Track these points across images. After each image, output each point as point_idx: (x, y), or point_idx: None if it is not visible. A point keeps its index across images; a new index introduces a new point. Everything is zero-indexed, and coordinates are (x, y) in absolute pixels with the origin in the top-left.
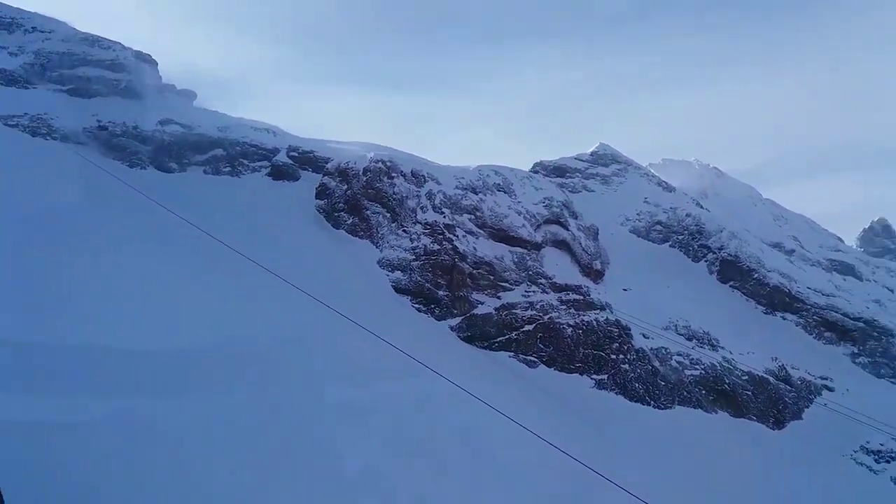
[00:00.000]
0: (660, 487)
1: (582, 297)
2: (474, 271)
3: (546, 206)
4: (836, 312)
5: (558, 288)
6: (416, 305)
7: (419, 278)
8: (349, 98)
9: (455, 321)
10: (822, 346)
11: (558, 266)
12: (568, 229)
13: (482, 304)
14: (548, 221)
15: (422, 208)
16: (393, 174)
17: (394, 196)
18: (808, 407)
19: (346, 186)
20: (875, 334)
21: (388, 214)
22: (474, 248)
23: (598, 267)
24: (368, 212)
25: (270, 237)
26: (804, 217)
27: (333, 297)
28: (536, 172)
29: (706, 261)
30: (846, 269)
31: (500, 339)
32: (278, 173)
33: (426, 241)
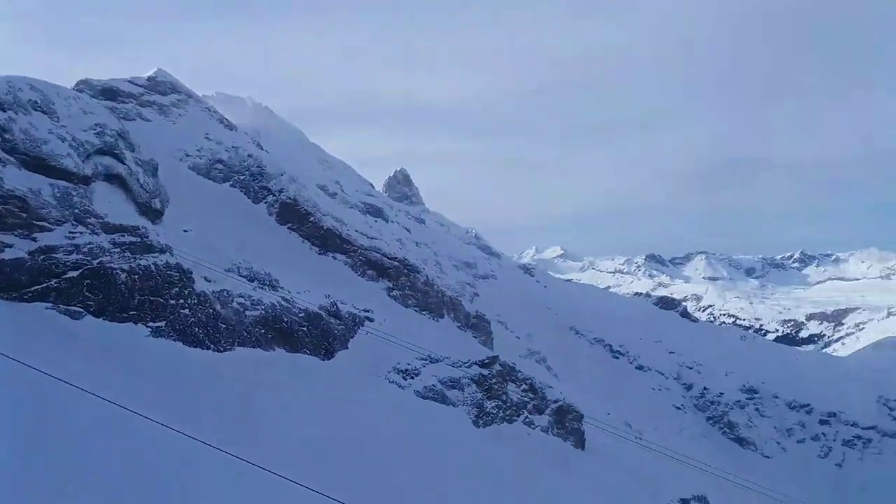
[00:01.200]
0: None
1: (139, 240)
2: (1, 207)
3: (98, 133)
4: (377, 253)
5: (111, 229)
6: None
7: None
8: None
9: None
10: (366, 282)
11: (111, 204)
12: (124, 163)
13: (10, 247)
14: (100, 152)
15: None
16: None
17: None
18: (353, 337)
19: None
20: (406, 271)
21: None
22: (0, 179)
23: (158, 206)
24: None
25: None
26: (344, 163)
27: None
28: (81, 91)
29: (266, 202)
30: (377, 212)
31: (36, 288)
32: None
33: None
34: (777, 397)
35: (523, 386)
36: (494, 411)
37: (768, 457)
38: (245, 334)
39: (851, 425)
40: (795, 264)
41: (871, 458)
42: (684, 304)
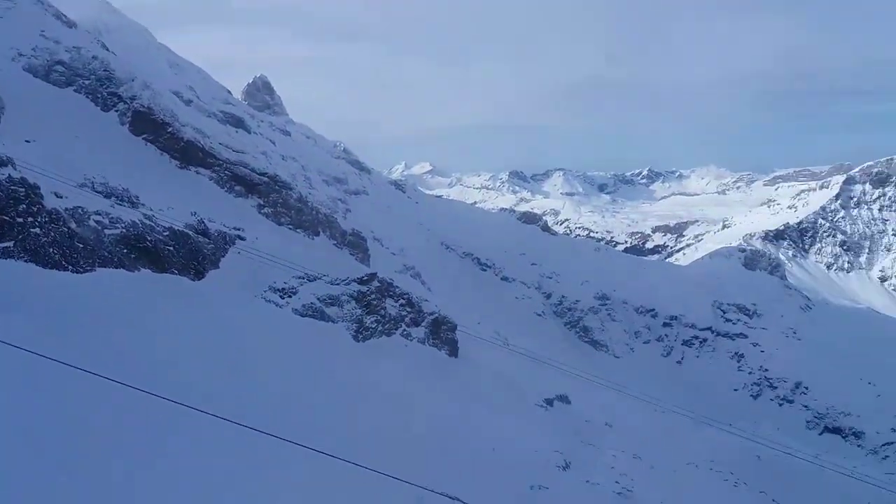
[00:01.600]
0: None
1: None
2: None
3: None
4: (245, 168)
5: None
6: None
7: None
8: None
9: None
10: (234, 199)
11: None
12: None
13: None
14: None
15: None
16: None
17: None
18: (224, 256)
19: None
20: (277, 187)
21: None
22: None
23: None
24: None
25: None
26: (197, 67)
27: None
28: None
29: (117, 111)
30: (237, 122)
31: None
32: None
33: None
34: (626, 303)
35: (401, 301)
36: (374, 326)
37: (618, 357)
38: (106, 255)
39: (690, 327)
40: (643, 180)
41: (706, 356)
42: (545, 218)
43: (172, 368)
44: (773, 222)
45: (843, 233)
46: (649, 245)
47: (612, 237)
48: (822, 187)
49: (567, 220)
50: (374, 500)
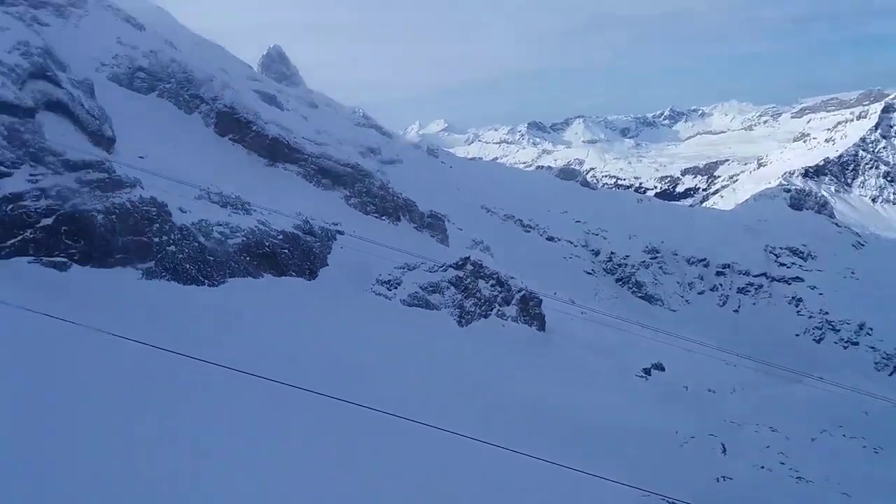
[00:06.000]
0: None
1: (107, 175)
2: None
3: (23, 54)
4: (329, 160)
5: (74, 166)
6: None
7: None
8: None
9: None
10: (323, 192)
11: (64, 137)
12: (61, 86)
13: None
14: (32, 76)
15: None
16: None
17: None
18: (329, 252)
19: None
20: (360, 177)
21: None
22: None
23: (110, 133)
24: None
25: None
26: (218, 45)
27: None
28: None
29: (200, 112)
30: (271, 100)
31: (12, 242)
32: None
33: None
34: (676, 254)
35: (491, 281)
36: (472, 309)
37: (675, 310)
38: (233, 265)
39: (744, 274)
40: (666, 121)
41: (763, 303)
42: (583, 173)
43: (297, 364)
44: (811, 157)
45: (886, 163)
46: (680, 189)
47: (640, 183)
48: (859, 117)
49: (592, 168)
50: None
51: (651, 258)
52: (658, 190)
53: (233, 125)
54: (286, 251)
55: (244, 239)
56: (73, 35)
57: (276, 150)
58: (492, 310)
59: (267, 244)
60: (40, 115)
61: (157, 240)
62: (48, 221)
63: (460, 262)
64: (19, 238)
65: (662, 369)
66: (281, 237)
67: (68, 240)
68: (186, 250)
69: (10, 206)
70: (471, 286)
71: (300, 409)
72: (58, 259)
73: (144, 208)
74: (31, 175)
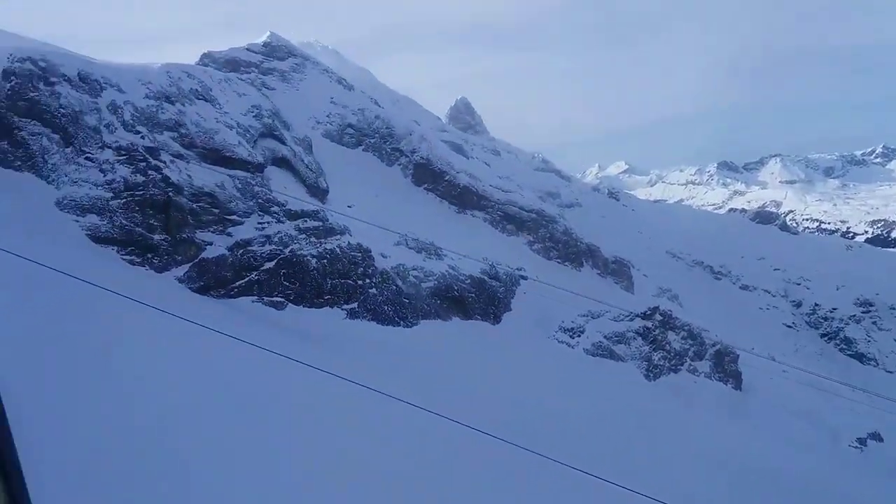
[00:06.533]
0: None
1: (321, 224)
2: (194, 205)
3: (256, 116)
4: (514, 206)
5: (294, 215)
6: (128, 257)
7: (125, 221)
8: None
9: (181, 270)
10: (507, 237)
11: (286, 189)
12: (285, 144)
13: (211, 244)
14: (262, 135)
15: (107, 127)
16: (53, 79)
17: (61, 111)
18: (513, 298)
19: None
20: (544, 222)
21: (58, 136)
22: (189, 176)
23: (324, 185)
24: (24, 133)
25: None
26: (410, 98)
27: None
28: (206, 66)
29: (400, 164)
30: (458, 149)
31: (239, 283)
32: None
33: (124, 171)
34: (894, 308)
35: (682, 333)
36: (661, 363)
37: (891, 372)
38: (426, 307)
39: None
40: (878, 160)
41: None
42: (782, 216)
43: (485, 407)
44: None
45: None
46: None
47: (848, 227)
48: None
49: (791, 211)
50: None
51: (863, 312)
52: (869, 235)
53: (428, 175)
54: (473, 295)
55: (436, 283)
56: (294, 97)
57: (466, 198)
58: (682, 364)
59: (456, 288)
60: (268, 170)
61: (360, 283)
62: (270, 265)
63: (648, 312)
64: (246, 279)
65: (881, 440)
66: (468, 281)
67: (286, 281)
68: (386, 293)
69: (241, 251)
70: (660, 338)
71: (478, 450)
72: (276, 299)
73: (351, 253)
74: (258, 223)
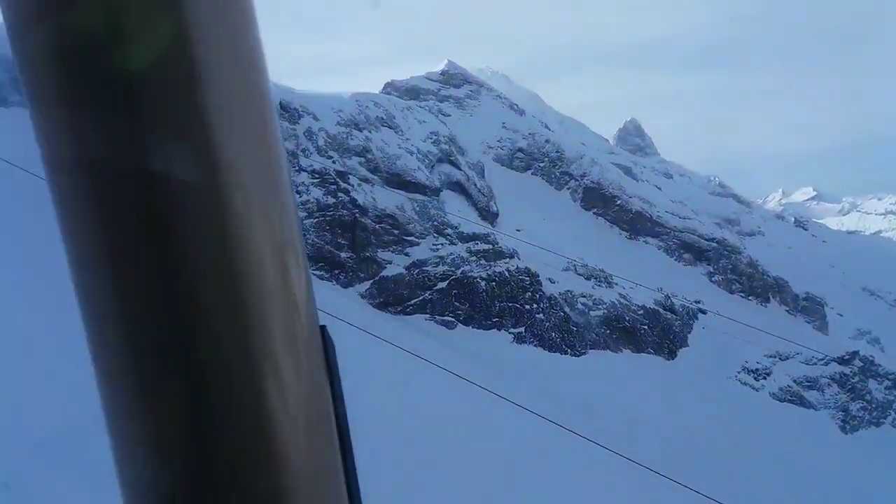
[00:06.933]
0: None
1: (491, 246)
2: (377, 226)
3: (434, 142)
4: (693, 234)
5: (466, 237)
6: (317, 272)
7: (316, 239)
8: None
9: (364, 287)
10: (683, 267)
11: (460, 212)
12: (460, 168)
13: (390, 263)
14: (439, 160)
15: (304, 152)
16: None
17: None
18: (690, 332)
19: None
20: (726, 252)
21: None
22: (373, 199)
23: (495, 209)
24: None
25: None
26: (575, 120)
27: None
28: (389, 94)
29: (569, 188)
30: (626, 171)
31: (415, 301)
32: None
33: (317, 193)
34: None
35: (886, 382)
36: (860, 414)
37: None
38: (594, 336)
39: None
40: None
41: None
42: None
43: (656, 446)
44: None
45: None
46: None
47: None
48: None
49: None
50: None
51: None
52: None
53: (598, 199)
54: (646, 327)
55: (606, 312)
56: (468, 123)
57: (638, 224)
58: (885, 417)
59: (627, 319)
60: (444, 194)
61: (528, 307)
62: (443, 285)
63: (846, 357)
64: (420, 298)
65: None
66: (641, 312)
67: (457, 302)
68: (553, 319)
69: (417, 271)
70: (859, 386)
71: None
72: (447, 318)
73: (520, 277)
74: (433, 244)
